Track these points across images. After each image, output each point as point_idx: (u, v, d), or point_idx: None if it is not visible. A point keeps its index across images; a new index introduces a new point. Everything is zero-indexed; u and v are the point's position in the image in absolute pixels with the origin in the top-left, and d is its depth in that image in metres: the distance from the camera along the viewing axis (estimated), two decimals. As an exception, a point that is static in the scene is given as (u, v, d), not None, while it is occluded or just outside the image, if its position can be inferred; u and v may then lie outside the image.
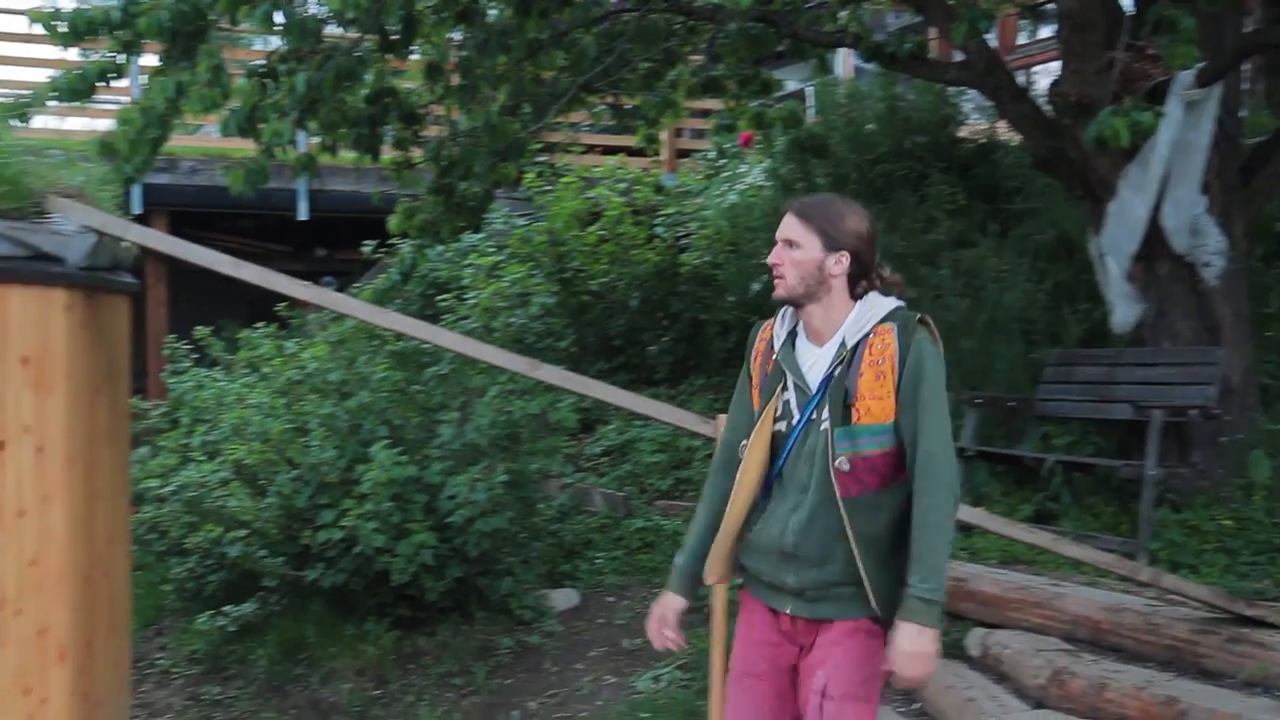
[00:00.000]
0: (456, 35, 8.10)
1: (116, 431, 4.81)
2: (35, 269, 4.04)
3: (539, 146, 9.74)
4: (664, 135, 11.60)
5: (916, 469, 3.09)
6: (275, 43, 9.46)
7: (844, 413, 3.12)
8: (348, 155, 8.24)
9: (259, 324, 8.72)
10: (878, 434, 3.10)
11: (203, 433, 7.65)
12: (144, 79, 10.22)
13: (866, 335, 3.15)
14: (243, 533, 6.89)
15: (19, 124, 6.23)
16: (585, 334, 10.69)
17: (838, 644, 3.15)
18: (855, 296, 3.21)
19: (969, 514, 4.81)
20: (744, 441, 3.28)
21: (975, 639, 5.75)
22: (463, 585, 7.01)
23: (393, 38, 7.12)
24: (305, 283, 4.68)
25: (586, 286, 10.95)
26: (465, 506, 6.65)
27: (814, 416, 3.16)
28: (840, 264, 3.16)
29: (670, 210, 11.77)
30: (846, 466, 3.10)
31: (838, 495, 3.10)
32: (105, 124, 11.89)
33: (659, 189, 12.29)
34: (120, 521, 4.90)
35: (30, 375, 4.01)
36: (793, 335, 3.29)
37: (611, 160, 12.30)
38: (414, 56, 8.10)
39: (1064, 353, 7.72)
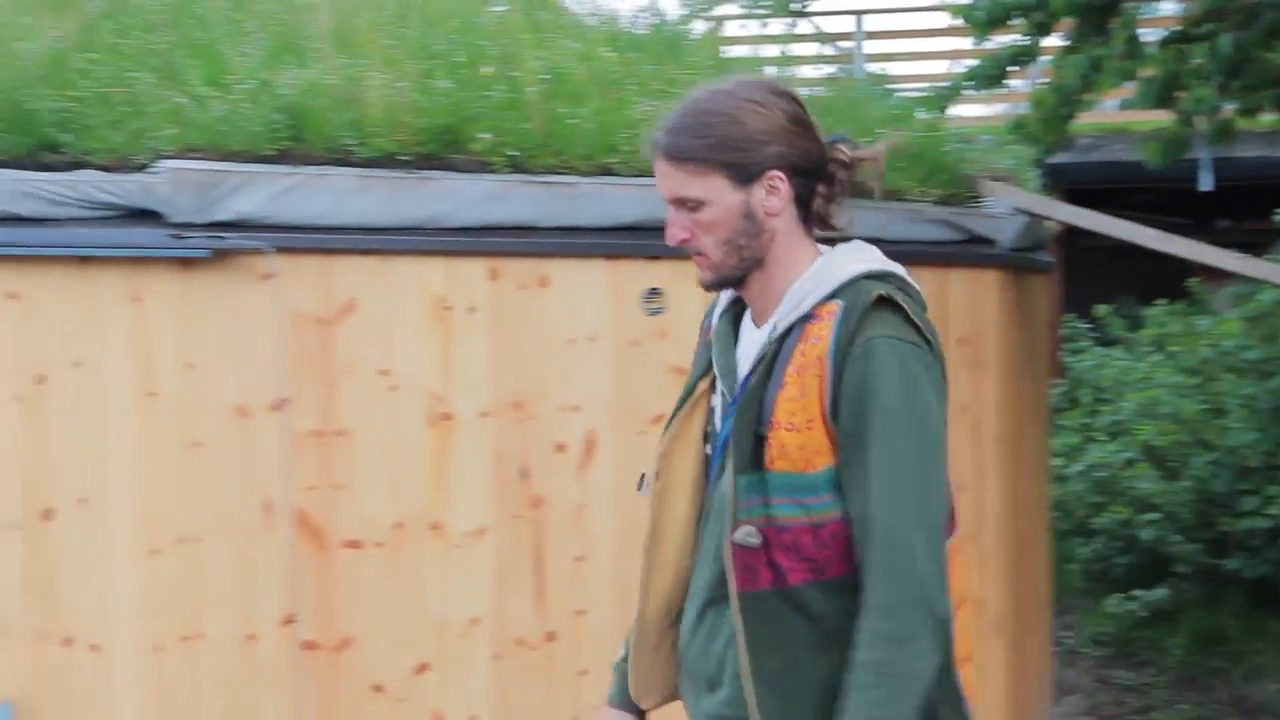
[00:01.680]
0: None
1: (1038, 410, 4.89)
2: (971, 252, 4.20)
3: None
4: None
5: (864, 563, 1.77)
6: (1166, 9, 9.03)
7: (753, 450, 1.84)
8: (1263, 118, 7.65)
9: (1155, 301, 8.47)
10: (798, 490, 1.81)
11: (1110, 413, 7.58)
12: (1044, 59, 10.33)
13: (806, 316, 1.86)
14: (1154, 516, 6.72)
15: (937, 114, 6.53)
16: None
17: None
18: (825, 226, 1.94)
19: None
20: (645, 476, 2.05)
21: None
22: None
23: (1321, -16, 6.50)
24: (1243, 255, 4.43)
25: None
26: None
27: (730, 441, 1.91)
28: (777, 190, 1.86)
29: None
30: (755, 540, 1.82)
31: (732, 587, 1.85)
32: (995, 109, 12.24)
33: None
34: (1041, 500, 4.97)
35: (966, 355, 4.16)
36: (741, 305, 2.02)
37: None
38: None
39: None
